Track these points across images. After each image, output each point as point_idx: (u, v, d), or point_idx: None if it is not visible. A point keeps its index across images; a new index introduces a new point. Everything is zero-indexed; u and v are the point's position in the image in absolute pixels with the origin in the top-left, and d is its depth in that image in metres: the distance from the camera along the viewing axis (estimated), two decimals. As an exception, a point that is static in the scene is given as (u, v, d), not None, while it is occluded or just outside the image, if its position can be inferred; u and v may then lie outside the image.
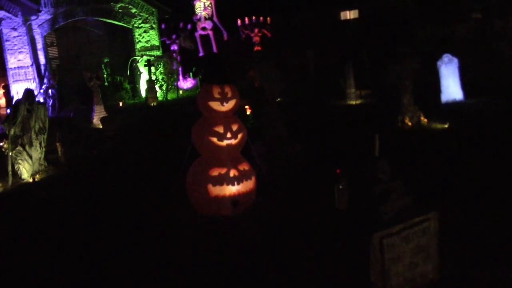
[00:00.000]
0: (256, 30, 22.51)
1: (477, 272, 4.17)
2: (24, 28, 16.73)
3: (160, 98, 18.14)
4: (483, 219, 5.15)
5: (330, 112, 12.18)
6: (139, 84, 19.23)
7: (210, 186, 5.88)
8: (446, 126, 9.34)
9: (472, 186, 6.09)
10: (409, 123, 9.58)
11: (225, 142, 5.95)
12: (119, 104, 17.14)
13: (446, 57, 11.38)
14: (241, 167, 6.04)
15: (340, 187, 4.19)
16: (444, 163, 7.08)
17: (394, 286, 3.97)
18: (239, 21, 22.56)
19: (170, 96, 18.72)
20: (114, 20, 18.91)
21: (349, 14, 28.09)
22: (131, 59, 19.30)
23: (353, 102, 13.33)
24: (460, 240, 4.67)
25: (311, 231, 4.60)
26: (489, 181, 6.21)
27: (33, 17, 17.01)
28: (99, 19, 19.05)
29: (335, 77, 15.16)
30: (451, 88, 11.42)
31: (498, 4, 22.87)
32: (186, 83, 20.03)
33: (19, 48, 16.63)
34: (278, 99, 13.80)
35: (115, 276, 4.60)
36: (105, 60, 19.87)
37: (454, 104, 11.21)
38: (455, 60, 11.39)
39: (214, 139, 5.95)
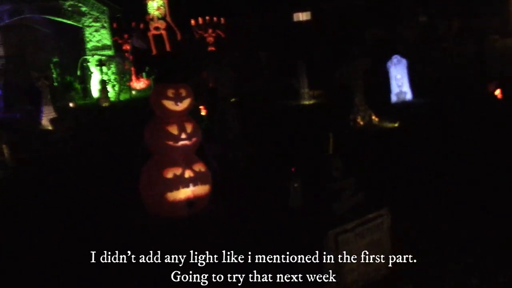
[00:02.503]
0: (210, 31, 22.43)
1: (428, 267, 4.30)
2: (-33, 26, 16.07)
3: (112, 99, 17.79)
4: (433, 213, 5.32)
5: (283, 112, 12.28)
6: (90, 84, 18.80)
7: (165, 190, 5.81)
8: (396, 125, 9.60)
9: (421, 181, 6.29)
10: (361, 122, 9.78)
11: (179, 143, 5.89)
12: (69, 105, 16.68)
13: (395, 58, 11.71)
14: (196, 168, 6.00)
15: (295, 185, 4.24)
16: (394, 160, 7.27)
17: (349, 282, 4.05)
18: (192, 22, 22.42)
19: (123, 96, 18.40)
20: (63, 18, 18.41)
21: (302, 16, 28.44)
22: (82, 58, 18.84)
23: (306, 102, 13.49)
24: (410, 235, 4.81)
25: (266, 229, 4.62)
26: (437, 176, 6.43)
27: (-24, 15, 16.34)
28: (47, 17, 18.49)
29: (288, 77, 15.32)
30: (400, 88, 11.74)
31: (441, 7, 23.80)
32: (139, 84, 19.72)
33: (-38, 47, 15.95)
34: (232, 99, 13.84)
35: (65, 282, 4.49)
36: (54, 60, 19.31)
37: (403, 104, 11.53)
38: (404, 61, 11.73)
39: (168, 140, 5.88)
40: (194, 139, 6.02)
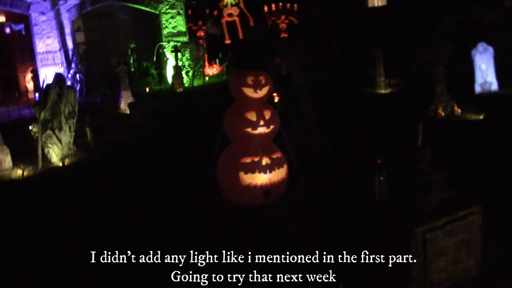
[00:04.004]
0: (282, 17, 22.25)
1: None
2: (52, 13, 16.80)
3: (186, 84, 18.08)
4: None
5: (359, 100, 11.95)
6: (165, 70, 19.19)
7: (241, 174, 5.80)
8: (481, 117, 9.07)
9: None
10: (442, 113, 9.34)
11: (258, 130, 5.85)
12: (145, 90, 17.13)
13: (481, 46, 11.03)
14: (273, 156, 5.95)
15: (381, 178, 4.06)
16: (481, 154, 6.86)
17: (436, 282, 3.85)
18: (265, 8, 22.31)
19: (196, 82, 18.65)
20: (141, 5, 18.86)
21: (377, 1, 27.60)
22: (158, 45, 19.25)
23: (383, 91, 13.08)
24: (502, 235, 4.50)
25: (350, 222, 4.47)
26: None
27: (61, 2, 17.04)
28: (126, 4, 19.02)
29: (363, 65, 14.90)
30: (485, 78, 11.08)
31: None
32: (212, 70, 19.93)
33: (48, 33, 16.71)
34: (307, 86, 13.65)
35: (142, 262, 4.57)
36: (132, 46, 19.87)
37: (489, 94, 10.89)
38: (490, 49, 11.04)
39: (247, 127, 5.85)
40: (272, 127, 5.96)
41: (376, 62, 13.53)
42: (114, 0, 18.43)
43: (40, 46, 16.65)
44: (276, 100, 11.62)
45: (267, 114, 5.97)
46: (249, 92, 5.88)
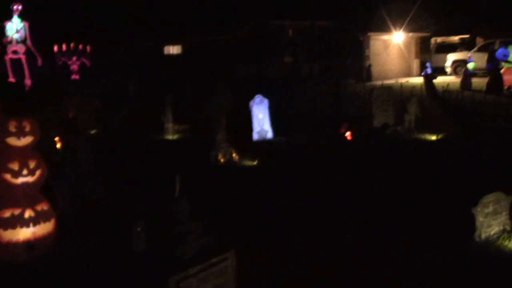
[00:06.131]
0: (74, 58, 21.57)
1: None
2: None
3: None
4: (284, 256, 5.39)
5: (144, 146, 11.93)
6: None
7: (1, 231, 5.31)
8: (255, 163, 9.83)
9: (274, 222, 6.41)
10: (222, 159, 9.88)
11: (20, 180, 5.46)
12: None
13: (258, 98, 12.10)
14: (38, 207, 5.58)
15: (138, 228, 4.09)
16: (250, 200, 7.36)
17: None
18: (55, 47, 21.41)
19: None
20: None
21: (172, 49, 28.57)
22: None
23: (170, 137, 13.36)
24: (259, 279, 4.83)
25: (109, 275, 4.38)
26: (290, 216, 6.62)
27: None
28: None
29: (156, 110, 15.07)
30: (262, 126, 12.13)
31: (305, 51, 25.55)
32: (-10, 110, 18.19)
33: None
34: (93, 131, 13.26)
35: None
36: None
37: (264, 141, 11.89)
38: (266, 101, 12.17)
39: (8, 176, 5.43)
40: (37, 176, 5.62)
41: (166, 108, 13.80)
42: None
43: None
44: (58, 145, 11.00)
45: (32, 163, 5.61)
46: (11, 140, 5.48)
